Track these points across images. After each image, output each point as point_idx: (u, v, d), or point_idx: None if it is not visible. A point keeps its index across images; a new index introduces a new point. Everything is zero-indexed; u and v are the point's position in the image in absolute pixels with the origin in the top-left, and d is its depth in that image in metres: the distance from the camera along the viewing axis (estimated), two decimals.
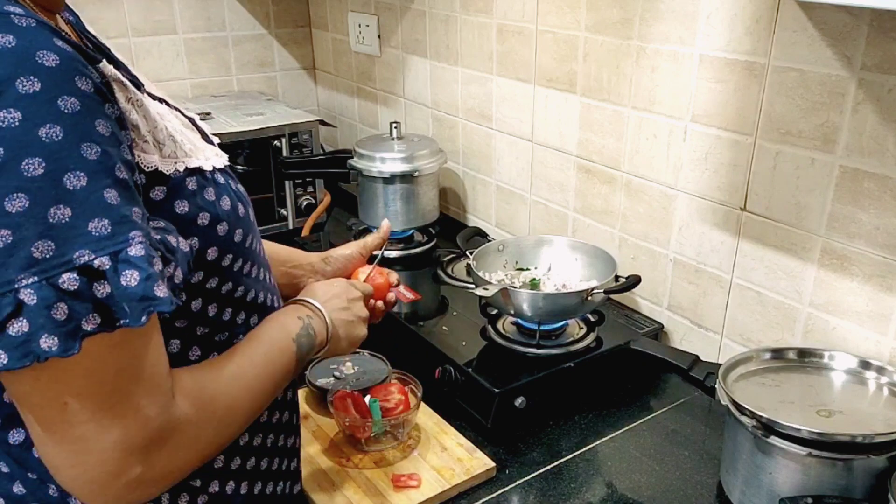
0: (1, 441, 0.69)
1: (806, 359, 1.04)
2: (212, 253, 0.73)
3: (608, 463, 1.09)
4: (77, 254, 0.55)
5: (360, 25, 2.04)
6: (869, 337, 1.06)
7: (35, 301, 0.54)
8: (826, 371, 1.02)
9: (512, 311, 1.24)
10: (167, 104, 0.81)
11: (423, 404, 1.15)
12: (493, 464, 1.07)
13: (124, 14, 2.00)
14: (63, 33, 0.60)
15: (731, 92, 1.16)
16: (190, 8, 2.09)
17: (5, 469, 0.70)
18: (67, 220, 0.55)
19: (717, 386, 0.98)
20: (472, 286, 1.30)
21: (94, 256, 0.56)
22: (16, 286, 0.54)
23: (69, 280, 0.55)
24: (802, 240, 1.11)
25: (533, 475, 1.07)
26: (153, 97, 0.77)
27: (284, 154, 1.86)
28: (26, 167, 0.54)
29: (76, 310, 0.55)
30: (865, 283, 1.05)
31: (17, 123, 0.54)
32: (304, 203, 1.92)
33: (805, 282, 1.13)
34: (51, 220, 0.54)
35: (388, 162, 1.62)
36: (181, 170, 0.70)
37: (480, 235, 1.55)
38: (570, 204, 1.52)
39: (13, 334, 0.54)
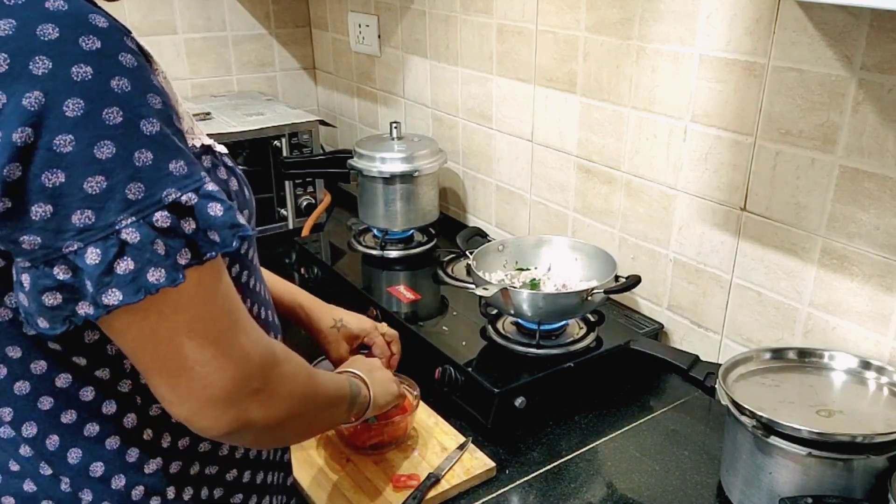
0: (12, 438, 0.69)
1: (806, 359, 1.04)
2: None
3: (608, 463, 1.09)
4: (165, 192, 0.59)
5: (360, 25, 2.04)
6: (869, 337, 1.06)
7: (138, 238, 0.58)
8: (826, 371, 1.02)
9: (512, 311, 1.24)
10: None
11: (422, 404, 1.15)
12: (493, 464, 1.07)
13: (124, 14, 2.00)
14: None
15: (731, 92, 1.16)
16: (190, 8, 2.09)
17: (15, 467, 0.70)
18: (151, 162, 0.58)
19: (717, 386, 0.98)
20: (472, 286, 1.30)
21: (180, 194, 0.60)
22: (117, 227, 0.57)
23: (162, 217, 0.59)
24: (802, 240, 1.11)
25: (533, 475, 1.07)
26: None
27: (284, 154, 1.86)
28: (107, 116, 0.57)
29: (171, 245, 0.59)
30: (865, 283, 1.05)
31: (90, 77, 0.56)
32: (304, 203, 1.92)
33: (805, 282, 1.13)
34: (137, 164, 0.58)
35: (388, 162, 1.62)
36: (198, 146, 0.72)
37: (480, 235, 1.55)
38: (570, 204, 1.52)
39: (122, 273, 0.57)
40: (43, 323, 0.60)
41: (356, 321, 1.13)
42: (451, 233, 1.56)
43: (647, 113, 1.30)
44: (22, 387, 0.68)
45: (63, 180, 0.56)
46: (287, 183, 1.88)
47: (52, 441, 0.70)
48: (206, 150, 0.74)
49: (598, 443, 1.13)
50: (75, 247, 0.57)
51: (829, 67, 1.02)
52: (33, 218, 0.56)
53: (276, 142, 1.85)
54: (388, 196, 1.64)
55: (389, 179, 1.63)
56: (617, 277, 1.27)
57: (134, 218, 0.57)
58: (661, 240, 1.34)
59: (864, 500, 0.88)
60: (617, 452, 1.11)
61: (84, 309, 0.59)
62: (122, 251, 0.57)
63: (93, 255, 0.57)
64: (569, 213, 1.53)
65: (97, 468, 0.71)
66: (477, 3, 1.62)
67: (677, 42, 1.22)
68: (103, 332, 0.66)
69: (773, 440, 0.90)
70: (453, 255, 1.59)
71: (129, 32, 0.64)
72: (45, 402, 0.69)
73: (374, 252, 1.65)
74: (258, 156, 1.84)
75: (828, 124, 1.04)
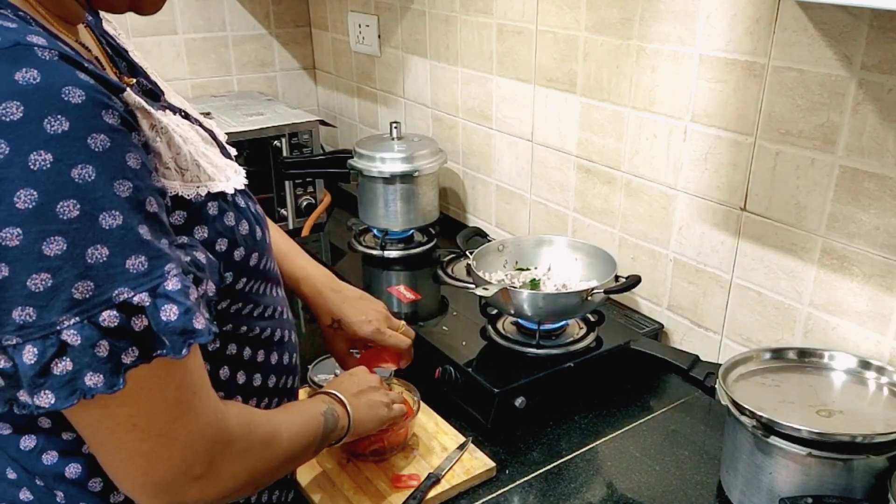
0: (10, 447, 0.69)
1: (806, 359, 1.04)
2: (227, 277, 0.73)
3: (608, 463, 1.09)
4: (116, 292, 0.56)
5: (360, 25, 2.04)
6: (869, 337, 1.06)
7: (79, 341, 0.55)
8: (826, 371, 1.02)
9: (512, 311, 1.24)
10: (187, 116, 0.81)
11: (422, 405, 1.15)
12: (493, 464, 1.07)
13: (125, 14, 1.99)
14: (85, 59, 0.60)
15: (731, 92, 1.16)
16: (190, 8, 2.09)
17: (12, 475, 0.70)
18: (105, 259, 0.55)
19: (717, 386, 0.98)
20: (472, 286, 1.30)
21: (133, 294, 0.57)
22: (58, 328, 0.55)
23: (109, 317, 0.56)
24: (802, 240, 1.11)
25: (533, 475, 1.07)
26: (173, 109, 0.78)
27: (284, 154, 1.86)
28: (62, 210, 0.54)
29: (117, 345, 0.57)
30: (865, 283, 1.05)
31: (48, 165, 0.53)
32: (304, 203, 1.92)
33: (805, 282, 1.13)
34: (89, 261, 0.55)
35: (388, 162, 1.62)
36: (203, 194, 0.70)
37: (480, 235, 1.55)
38: (570, 204, 1.52)
39: (59, 374, 0.55)
40: None
41: (357, 324, 1.07)
42: (451, 233, 1.56)
43: (647, 113, 1.30)
44: (17, 408, 0.67)
45: (6, 275, 0.53)
46: (287, 183, 1.88)
47: (50, 456, 0.70)
48: (215, 196, 0.72)
49: (598, 443, 1.13)
50: (13, 341, 0.55)
51: (829, 67, 1.02)
52: None
53: (276, 142, 1.85)
54: (388, 196, 1.64)
55: (389, 179, 1.63)
56: (617, 277, 1.27)
57: (78, 318, 0.55)
58: (661, 240, 1.34)
59: (864, 500, 0.88)
60: (617, 452, 1.11)
61: (24, 398, 0.57)
62: (62, 351, 0.55)
63: (29, 354, 0.55)
64: (569, 213, 1.53)
65: (95, 484, 0.71)
66: (477, 3, 1.62)
67: (677, 42, 1.22)
68: None
69: (773, 440, 0.90)
70: (453, 255, 1.59)
71: (122, 90, 0.61)
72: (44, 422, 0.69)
73: (374, 252, 1.65)
74: (258, 156, 1.84)
75: (828, 124, 1.04)
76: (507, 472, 1.07)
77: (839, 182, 1.05)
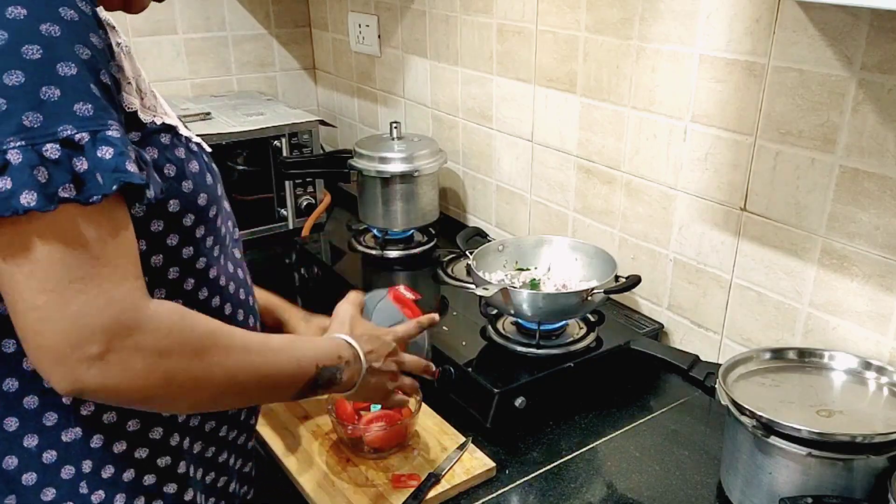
0: None
1: (806, 359, 1.04)
2: (173, 205, 0.75)
3: (608, 463, 1.09)
4: (61, 128, 0.62)
5: (360, 25, 2.04)
6: (869, 337, 1.06)
7: (20, 160, 0.60)
8: (826, 371, 1.02)
9: (512, 311, 1.24)
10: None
11: (422, 403, 1.15)
12: (493, 464, 1.07)
13: (124, 14, 1.99)
14: None
15: (731, 92, 1.16)
16: (190, 8, 2.09)
17: None
18: (56, 98, 0.62)
19: (717, 386, 0.98)
20: (472, 286, 1.30)
21: (75, 131, 0.62)
22: (3, 147, 0.60)
23: (52, 149, 0.61)
24: (802, 240, 1.11)
25: (533, 475, 1.07)
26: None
27: (284, 154, 1.86)
28: (26, 51, 0.61)
29: (55, 176, 0.61)
30: (865, 283, 1.05)
31: (22, 17, 0.61)
32: (304, 203, 1.92)
33: (805, 282, 1.13)
34: (41, 97, 0.61)
35: (388, 162, 1.62)
36: (158, 123, 0.75)
37: (480, 235, 1.55)
38: (570, 204, 1.52)
39: None
40: None
41: (322, 319, 1.06)
42: (451, 233, 1.56)
43: (647, 113, 1.30)
44: None
45: None
46: (287, 183, 1.88)
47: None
48: (167, 128, 0.76)
49: (598, 443, 1.13)
50: None
51: (829, 67, 1.02)
52: None
53: (276, 142, 1.85)
54: (387, 196, 1.64)
55: (389, 179, 1.63)
56: (617, 277, 1.27)
57: (23, 142, 0.60)
58: (661, 240, 1.34)
59: (864, 500, 0.88)
60: (617, 452, 1.11)
61: None
62: (4, 170, 0.60)
63: None
64: (569, 213, 1.53)
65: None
66: (477, 3, 1.62)
67: (677, 42, 1.22)
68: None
69: (773, 440, 0.90)
70: (453, 255, 1.59)
71: (96, 4, 0.68)
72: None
73: (374, 252, 1.65)
74: (258, 156, 1.84)
75: (828, 124, 1.04)
76: (507, 472, 1.07)
77: (839, 182, 1.05)
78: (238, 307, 0.87)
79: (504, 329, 1.30)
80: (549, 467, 1.08)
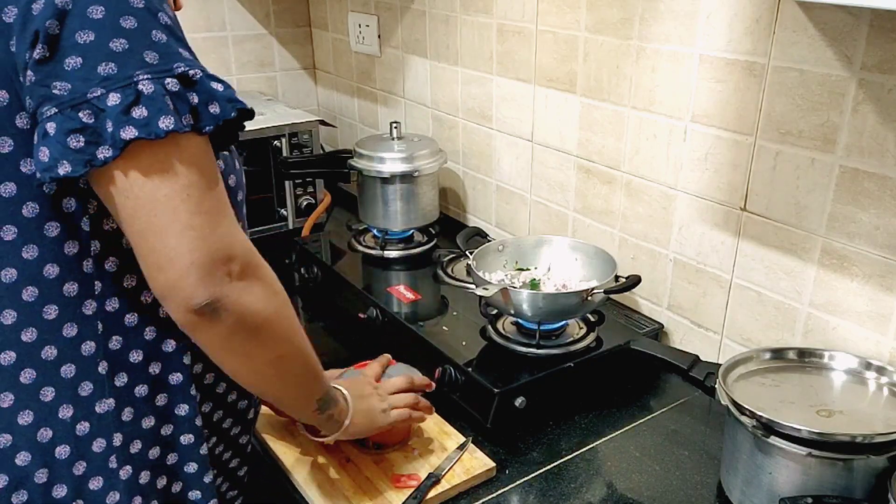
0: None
1: (806, 359, 1.04)
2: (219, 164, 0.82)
3: (608, 463, 1.09)
4: (175, 64, 0.69)
5: (360, 25, 2.04)
6: (869, 337, 1.06)
7: (152, 90, 0.67)
8: (826, 371, 1.02)
9: (512, 311, 1.24)
10: None
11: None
12: (493, 464, 1.07)
13: None
14: None
15: (731, 92, 1.16)
16: (190, 8, 2.09)
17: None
18: (165, 41, 0.69)
19: (717, 386, 0.98)
20: (472, 286, 1.30)
21: (188, 69, 0.69)
22: (135, 79, 0.66)
23: (172, 83, 0.68)
24: (802, 240, 1.11)
25: (533, 475, 1.07)
26: None
27: (284, 154, 1.86)
28: (133, 0, 0.68)
29: (179, 106, 0.68)
30: (865, 283, 1.05)
31: None
32: (304, 203, 1.92)
33: (805, 282, 1.13)
34: (153, 39, 0.68)
35: (388, 162, 1.62)
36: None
37: (480, 235, 1.55)
38: (570, 204, 1.52)
39: (137, 117, 0.66)
40: (64, 168, 0.65)
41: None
42: (451, 233, 1.56)
43: (647, 113, 1.30)
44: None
45: (93, 39, 0.65)
46: (287, 183, 1.88)
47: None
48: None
49: (598, 443, 1.13)
50: (99, 92, 0.65)
51: (829, 67, 1.02)
52: (66, 68, 0.65)
53: (276, 142, 1.84)
54: (387, 196, 1.64)
55: (389, 179, 1.62)
56: (617, 277, 1.27)
57: (149, 75, 0.67)
58: (661, 240, 1.34)
59: (864, 500, 0.88)
60: (617, 452, 1.11)
61: (104, 153, 0.66)
62: (138, 100, 0.66)
63: (114, 99, 0.65)
64: (569, 213, 1.53)
65: (47, 392, 0.76)
66: (477, 3, 1.62)
67: (677, 42, 1.22)
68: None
69: (773, 440, 0.90)
70: (453, 255, 1.59)
71: None
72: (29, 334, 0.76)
73: (374, 252, 1.65)
74: (258, 156, 1.84)
75: (828, 124, 1.04)
76: (507, 472, 1.07)
77: (839, 182, 1.05)
78: None
79: (504, 329, 1.30)
80: (549, 467, 1.08)
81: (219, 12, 2.14)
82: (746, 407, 0.92)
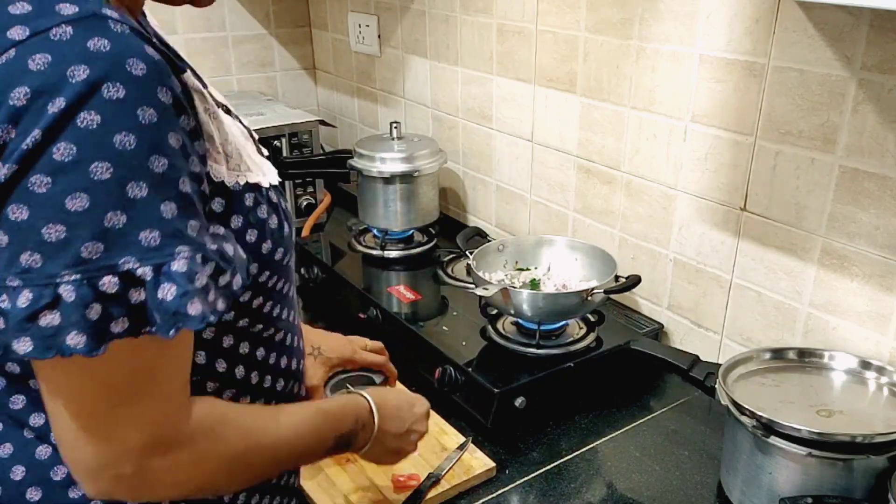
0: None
1: (806, 359, 1.04)
2: (252, 269, 0.74)
3: (608, 463, 1.09)
4: (122, 260, 0.57)
5: (360, 25, 2.04)
6: (869, 337, 1.06)
7: (73, 298, 0.56)
8: (826, 371, 1.02)
9: (512, 311, 1.24)
10: (228, 111, 0.83)
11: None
12: (493, 464, 1.07)
13: None
14: (152, 40, 0.62)
15: (731, 92, 1.16)
16: (190, 8, 2.09)
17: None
18: (121, 226, 0.57)
19: (717, 386, 0.98)
20: (472, 286, 1.30)
21: (137, 265, 0.57)
22: (57, 280, 0.56)
23: (109, 283, 0.57)
24: (802, 240, 1.11)
25: (533, 475, 1.07)
26: (217, 104, 0.79)
27: (284, 154, 1.86)
28: (94, 170, 0.56)
29: (109, 312, 0.57)
30: (865, 283, 1.05)
31: (94, 126, 0.56)
32: (304, 203, 1.92)
33: (805, 282, 1.13)
34: (106, 224, 0.56)
35: (388, 162, 1.62)
36: (242, 183, 0.72)
37: (480, 235, 1.55)
38: (570, 204, 1.52)
39: (44, 325, 0.56)
40: None
41: (338, 348, 1.08)
42: (451, 233, 1.56)
43: (647, 113, 1.30)
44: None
45: (25, 218, 0.55)
46: (287, 183, 1.88)
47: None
48: (253, 186, 0.73)
49: (598, 443, 1.13)
50: (15, 283, 0.56)
51: (829, 67, 1.02)
52: None
53: (276, 142, 1.85)
54: (388, 196, 1.64)
55: (389, 179, 1.63)
56: (617, 277, 1.27)
57: (79, 276, 0.56)
58: (661, 240, 1.34)
59: (864, 500, 0.88)
60: (617, 452, 1.11)
61: (3, 346, 0.57)
62: (55, 304, 0.56)
63: (24, 298, 0.55)
64: (569, 213, 1.53)
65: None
66: (477, 3, 1.62)
67: (677, 42, 1.22)
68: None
69: (773, 440, 0.90)
70: (453, 255, 1.59)
71: (183, 70, 0.64)
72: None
73: (374, 252, 1.65)
74: None
75: (828, 124, 1.04)
76: (507, 472, 1.07)
77: (839, 182, 1.05)
78: (294, 334, 0.87)
79: (504, 329, 1.30)
80: (549, 467, 1.08)
81: (219, 12, 2.14)
82: (746, 407, 0.92)
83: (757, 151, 1.14)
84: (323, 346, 1.07)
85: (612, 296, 1.26)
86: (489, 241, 1.46)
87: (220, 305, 0.63)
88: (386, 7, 1.93)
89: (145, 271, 0.57)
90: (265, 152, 0.89)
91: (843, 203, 1.05)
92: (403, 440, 0.92)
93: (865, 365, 1.01)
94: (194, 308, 0.60)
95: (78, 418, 0.61)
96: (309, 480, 1.05)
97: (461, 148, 1.80)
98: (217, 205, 0.69)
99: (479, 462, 1.07)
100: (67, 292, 0.56)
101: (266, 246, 0.75)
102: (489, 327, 1.31)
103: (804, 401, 0.95)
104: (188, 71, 0.65)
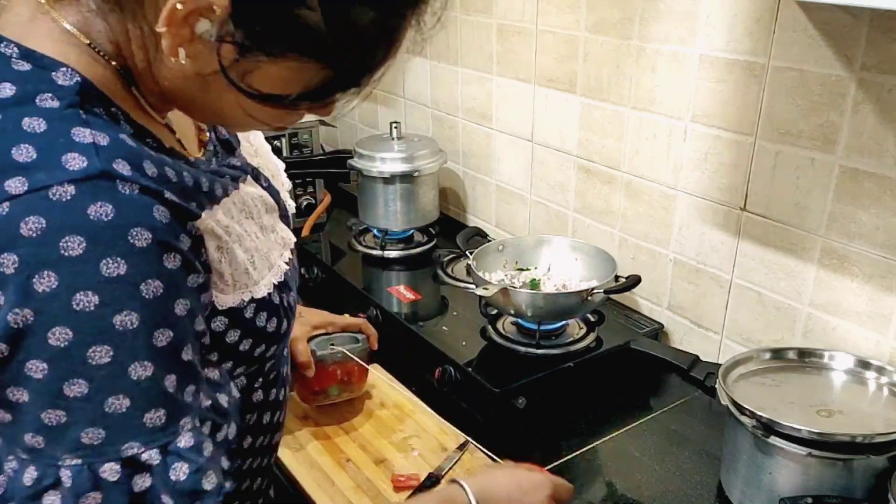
0: None
1: (806, 359, 1.04)
2: (241, 370, 0.72)
3: (608, 463, 1.09)
4: (126, 445, 0.53)
5: None
6: (869, 337, 1.06)
7: (70, 484, 0.53)
8: (826, 371, 1.02)
9: (512, 311, 1.24)
10: (256, 175, 0.78)
11: (422, 404, 1.15)
12: (493, 464, 1.07)
13: None
14: (167, 174, 0.57)
15: (731, 92, 1.16)
16: None
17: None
18: (124, 410, 0.53)
19: (717, 386, 0.98)
20: (472, 286, 1.30)
21: (143, 450, 0.54)
22: (59, 463, 0.53)
23: (111, 470, 0.53)
24: (802, 240, 1.11)
25: None
26: (244, 171, 0.75)
27: (284, 154, 1.86)
28: (93, 354, 0.52)
29: (109, 500, 0.53)
30: (865, 283, 1.05)
31: (92, 308, 0.51)
32: (304, 203, 1.92)
33: (805, 282, 1.13)
34: (107, 410, 0.53)
35: (388, 162, 1.62)
36: (246, 300, 0.68)
37: (480, 235, 1.55)
38: (570, 204, 1.52)
39: None
40: None
41: (315, 312, 1.14)
42: (451, 233, 1.56)
43: (647, 113, 1.30)
44: None
45: (25, 400, 0.52)
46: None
47: None
48: (254, 299, 0.69)
49: (598, 443, 1.13)
50: (24, 456, 0.53)
51: (829, 67, 1.02)
52: None
53: (276, 142, 1.85)
54: (388, 196, 1.64)
55: (389, 179, 1.62)
56: (617, 277, 1.27)
57: (80, 461, 0.52)
58: (661, 240, 1.34)
59: (864, 500, 0.88)
60: (617, 452, 1.11)
61: None
62: (55, 485, 0.52)
63: (29, 476, 0.53)
64: (569, 213, 1.53)
65: None
66: (477, 3, 1.62)
67: (677, 42, 1.22)
68: None
69: (773, 440, 0.90)
70: (453, 255, 1.59)
71: (196, 216, 0.59)
72: None
73: (374, 252, 1.65)
74: None
75: (828, 124, 1.04)
76: None
77: (839, 182, 1.05)
78: (280, 386, 0.84)
79: (504, 329, 1.30)
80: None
81: None
82: (746, 407, 0.92)
83: (757, 151, 1.14)
84: (303, 312, 1.12)
85: (612, 296, 1.26)
86: (489, 241, 1.46)
87: (225, 464, 0.60)
88: None
89: (151, 455, 0.54)
90: (291, 207, 0.86)
91: (843, 203, 1.05)
92: None
93: (865, 365, 1.01)
94: (209, 482, 0.56)
95: None
96: (309, 480, 1.05)
97: (461, 148, 1.80)
98: (218, 324, 0.66)
99: (479, 462, 1.07)
100: (66, 478, 0.52)
101: (259, 350, 0.72)
102: (489, 327, 1.31)
103: (804, 401, 0.95)
104: (203, 214, 0.60)
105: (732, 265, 1.23)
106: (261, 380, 0.78)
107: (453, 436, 1.13)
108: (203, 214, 0.61)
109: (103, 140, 0.54)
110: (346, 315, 1.19)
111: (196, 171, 0.64)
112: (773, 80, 1.09)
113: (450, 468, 1.05)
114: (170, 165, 0.60)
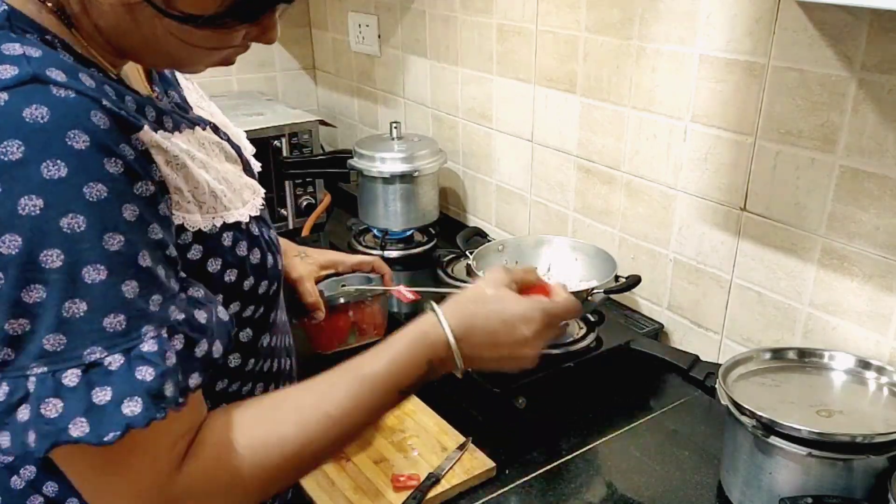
0: None
1: (806, 359, 1.04)
2: (234, 307, 0.72)
3: (608, 463, 1.09)
4: (88, 350, 0.54)
5: (360, 25, 2.04)
6: (869, 337, 1.06)
7: (33, 390, 0.53)
8: (826, 371, 1.02)
9: None
10: (216, 129, 0.79)
11: (422, 404, 1.15)
12: (493, 464, 1.07)
13: None
14: (107, 87, 0.58)
15: (731, 92, 1.16)
16: None
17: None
18: (82, 314, 0.53)
19: (717, 386, 0.98)
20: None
21: (105, 354, 0.54)
22: (27, 373, 0.53)
23: (72, 375, 0.53)
24: (802, 240, 1.11)
25: (533, 475, 1.07)
26: (201, 123, 0.75)
27: (284, 154, 1.86)
28: (44, 258, 0.52)
29: (69, 407, 0.54)
30: (865, 283, 1.05)
31: (38, 211, 0.51)
32: (304, 203, 1.92)
33: (805, 282, 1.13)
34: (65, 315, 0.53)
35: (388, 162, 1.62)
36: (218, 225, 0.69)
37: (480, 235, 1.55)
38: (570, 204, 1.52)
39: (19, 420, 0.53)
40: None
41: (321, 251, 1.08)
42: (451, 233, 1.56)
43: (647, 113, 1.30)
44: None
45: None
46: (287, 183, 1.88)
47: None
48: (231, 226, 0.70)
49: (598, 443, 1.13)
50: None
51: (829, 67, 1.02)
52: None
53: (276, 142, 1.85)
54: (388, 196, 1.64)
55: (389, 179, 1.63)
56: (617, 277, 1.27)
57: (45, 369, 0.53)
58: (661, 240, 1.34)
59: (864, 500, 0.88)
60: (617, 452, 1.11)
61: None
62: (27, 398, 0.53)
63: (2, 391, 0.53)
64: (569, 213, 1.53)
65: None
66: (477, 3, 1.62)
67: (677, 42, 1.22)
68: None
69: (773, 440, 0.90)
70: (453, 255, 1.59)
71: (138, 128, 0.58)
72: None
73: (374, 252, 1.65)
74: (258, 156, 1.83)
75: (828, 124, 1.04)
76: (507, 472, 1.07)
77: (839, 182, 1.05)
78: (282, 356, 0.85)
79: None
80: (549, 467, 1.08)
81: None
82: (746, 407, 0.92)
83: (757, 151, 1.14)
84: (309, 252, 1.06)
85: (612, 296, 1.26)
86: (489, 241, 1.46)
87: (194, 380, 0.61)
88: (386, 7, 1.93)
89: (115, 359, 0.54)
90: (256, 166, 0.85)
91: (843, 203, 1.05)
92: (509, 362, 0.77)
93: (865, 365, 1.01)
94: (169, 389, 0.57)
95: (80, 489, 0.61)
96: (308, 480, 1.05)
97: (461, 148, 1.80)
98: (195, 252, 0.66)
99: (479, 462, 1.07)
100: (32, 385, 0.53)
101: (248, 283, 0.72)
102: None
103: (804, 401, 0.95)
104: (146, 126, 0.60)
105: (732, 265, 1.23)
106: (263, 359, 0.79)
107: (453, 436, 1.13)
108: (145, 127, 0.60)
109: (35, 52, 0.55)
110: (357, 254, 1.12)
111: (141, 99, 0.64)
112: (774, 80, 1.09)
113: (450, 468, 1.05)
114: (111, 86, 0.59)
